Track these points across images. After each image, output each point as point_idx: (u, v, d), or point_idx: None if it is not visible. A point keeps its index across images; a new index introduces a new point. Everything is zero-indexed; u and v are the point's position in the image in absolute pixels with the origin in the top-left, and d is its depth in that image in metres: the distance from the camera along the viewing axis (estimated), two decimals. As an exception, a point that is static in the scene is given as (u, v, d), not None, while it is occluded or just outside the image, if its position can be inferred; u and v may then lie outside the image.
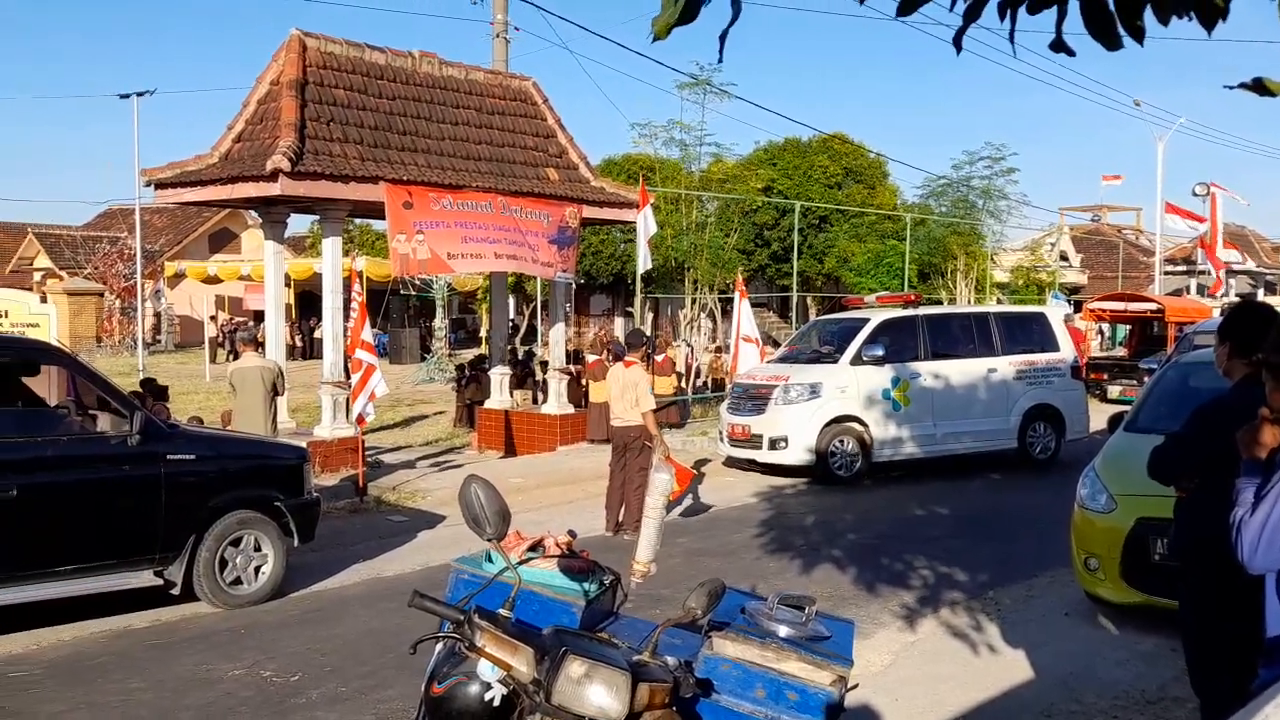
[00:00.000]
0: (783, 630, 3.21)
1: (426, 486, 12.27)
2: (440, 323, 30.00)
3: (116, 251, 35.73)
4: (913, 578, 8.17)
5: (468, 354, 27.21)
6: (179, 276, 36.49)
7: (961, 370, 13.62)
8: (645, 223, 15.28)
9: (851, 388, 13.01)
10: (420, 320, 35.22)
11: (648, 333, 10.96)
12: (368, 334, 11.54)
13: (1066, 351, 14.42)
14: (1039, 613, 7.16)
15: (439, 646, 3.10)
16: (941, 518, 10.92)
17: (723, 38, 2.07)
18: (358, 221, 32.68)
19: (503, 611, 2.72)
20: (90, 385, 7.33)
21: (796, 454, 12.81)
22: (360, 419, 11.47)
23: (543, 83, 15.14)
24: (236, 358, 32.65)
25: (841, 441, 12.83)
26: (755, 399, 13.32)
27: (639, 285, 18.09)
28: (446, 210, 12.58)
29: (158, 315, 37.14)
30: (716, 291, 21.30)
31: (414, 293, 30.59)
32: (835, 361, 13.29)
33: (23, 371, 7.70)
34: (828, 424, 12.78)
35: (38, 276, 38.81)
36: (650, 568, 3.68)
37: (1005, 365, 13.86)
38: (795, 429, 12.78)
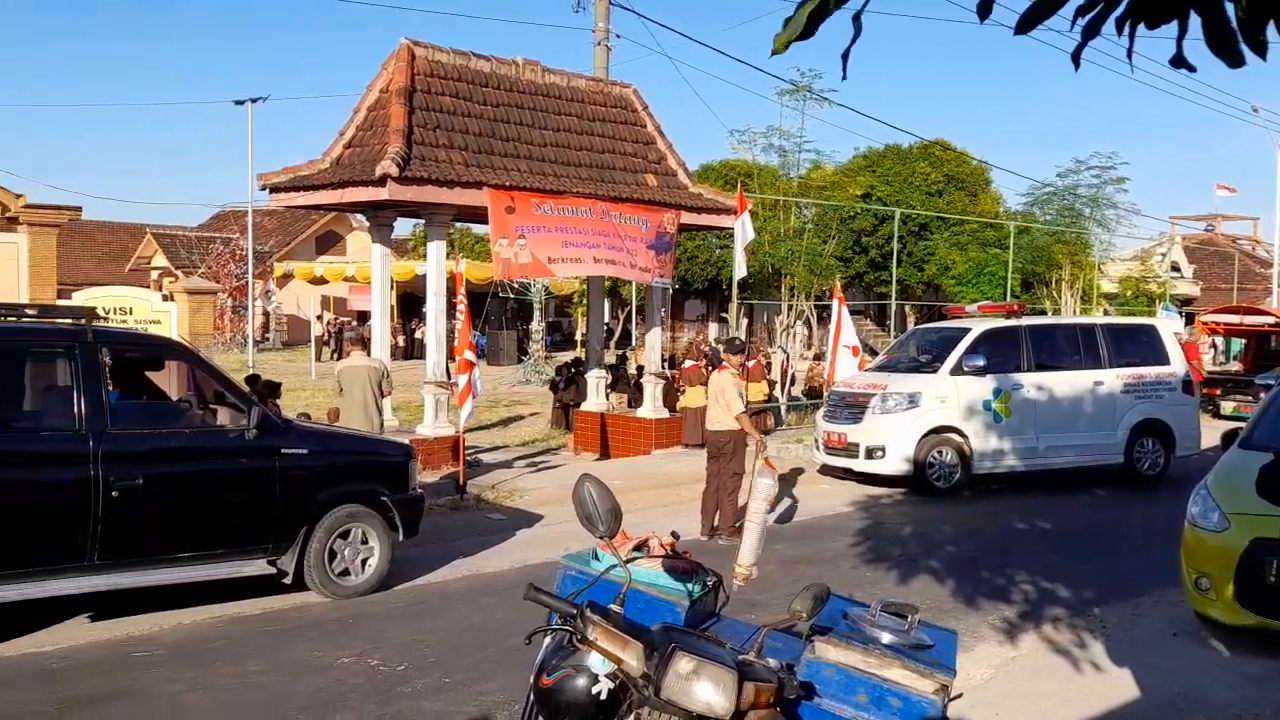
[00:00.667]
0: (885, 637, 3.23)
1: (524, 486, 12.47)
2: (537, 325, 30.42)
3: (229, 252, 37.08)
4: (1014, 592, 8.04)
5: (563, 357, 27.53)
6: (287, 277, 37.69)
7: (1066, 382, 13.29)
8: (743, 229, 15.30)
9: (951, 398, 12.81)
10: (517, 323, 35.74)
11: (743, 339, 10.98)
12: (471, 338, 11.80)
13: (1177, 365, 13.93)
14: (1146, 632, 6.99)
15: (547, 639, 3.19)
16: (1044, 532, 10.71)
17: (845, 56, 2.11)
18: (458, 225, 33.32)
19: (613, 607, 2.80)
20: (210, 380, 7.65)
21: (893, 464, 12.67)
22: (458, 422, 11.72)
23: (642, 89, 15.30)
24: (341, 356, 33.49)
25: (940, 452, 12.64)
26: (852, 407, 13.23)
27: (735, 291, 18.09)
28: (548, 215, 12.79)
29: (266, 314, 38.38)
30: (813, 298, 21.19)
31: (512, 295, 31.09)
32: (934, 371, 13.10)
33: (149, 366, 8.08)
34: (926, 434, 12.59)
35: (155, 275, 40.48)
36: (752, 571, 3.73)
37: (1112, 378, 13.47)
38: (893, 438, 12.65)
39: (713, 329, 32.69)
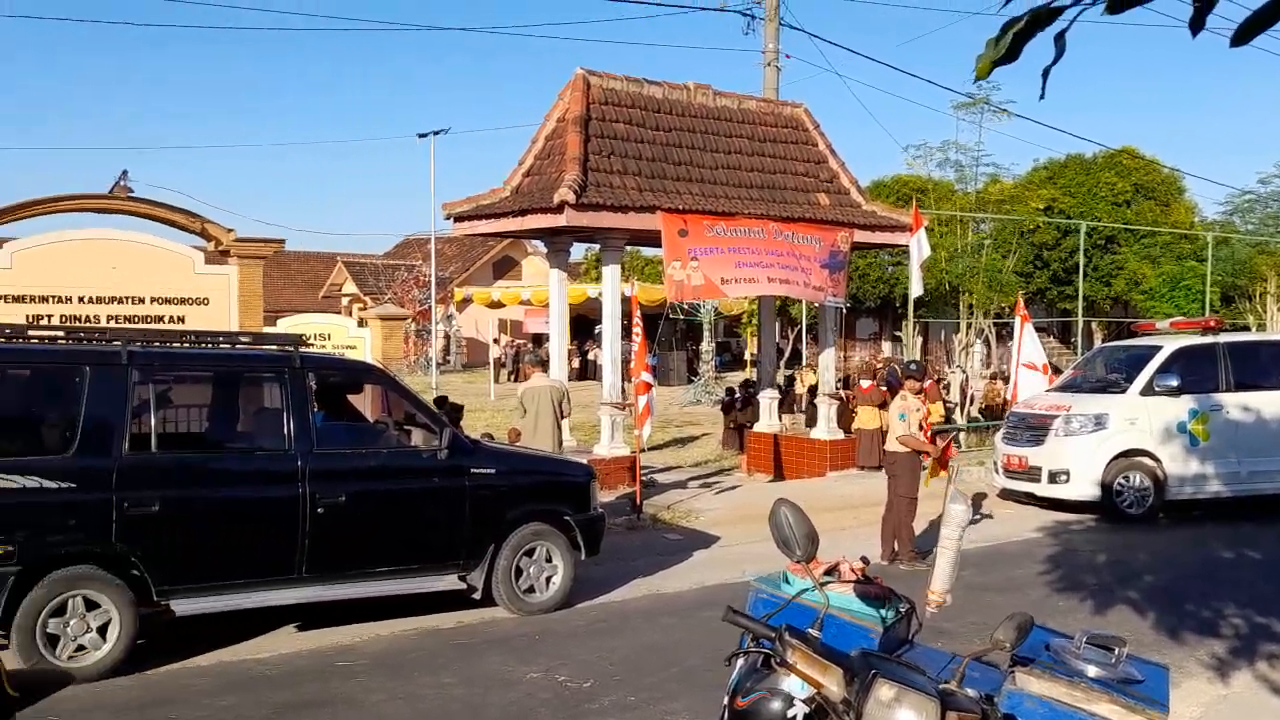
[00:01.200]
0: (1091, 670, 3.12)
1: (699, 507, 12.54)
2: (707, 346, 30.53)
3: (412, 278, 38.77)
4: (1223, 626, 7.57)
5: (734, 377, 27.54)
6: (466, 301, 39.11)
7: (1273, 403, 12.42)
8: (919, 246, 15.01)
9: (1142, 419, 12.17)
10: (687, 343, 35.98)
11: (921, 362, 10.77)
12: (647, 359, 11.98)
13: None
14: (1374, 673, 6.47)
15: (741, 661, 3.22)
16: (1253, 562, 10.04)
17: (1045, 74, 2.09)
18: (628, 248, 33.87)
19: (812, 632, 2.81)
20: (405, 403, 8.04)
21: (1079, 489, 12.13)
22: (638, 441, 11.87)
23: (812, 107, 15.23)
24: (519, 378, 34.40)
25: (1129, 477, 12.03)
26: (1034, 429, 12.72)
27: (911, 309, 17.72)
28: (720, 237, 12.87)
29: (447, 337, 39.90)
30: (992, 315, 20.53)
31: (681, 317, 31.34)
32: (1123, 391, 12.48)
33: (349, 389, 8.56)
34: (1114, 458, 12.01)
35: (345, 301, 42.73)
36: (946, 598, 3.66)
37: None
38: (1078, 462, 12.11)
39: (885, 348, 32.08)
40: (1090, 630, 3.34)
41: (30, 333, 7.42)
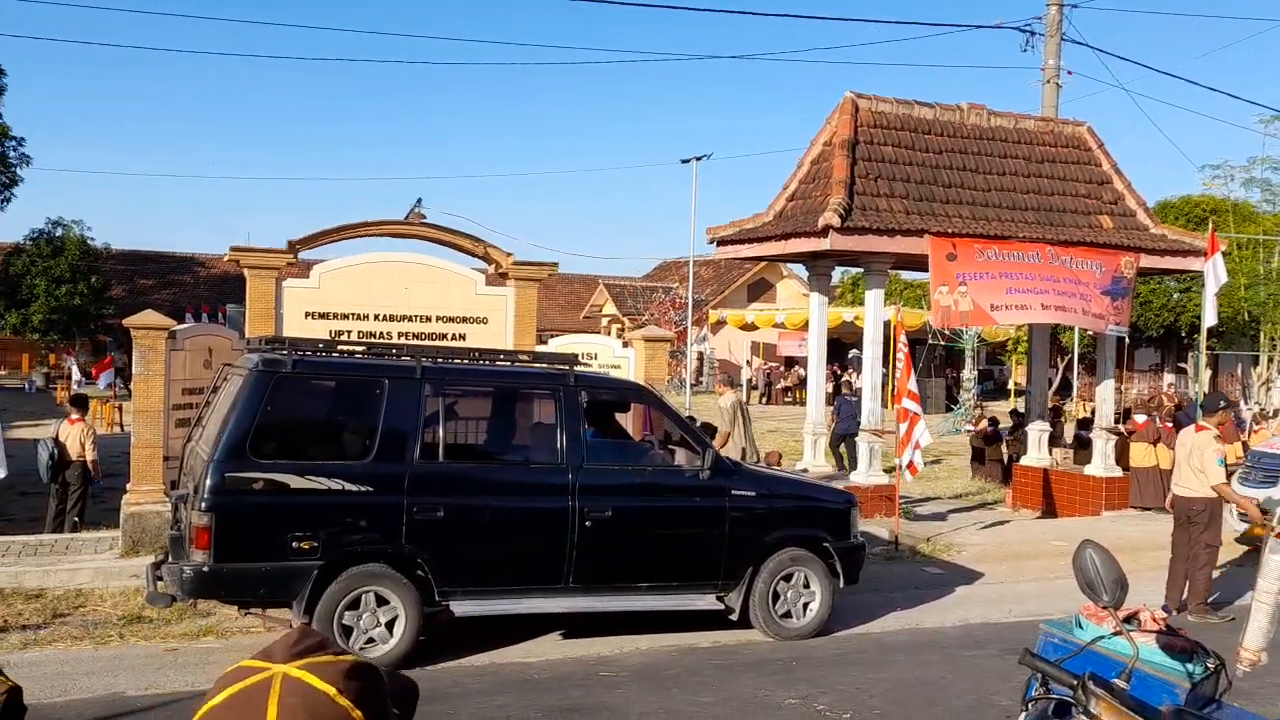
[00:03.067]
0: None
1: (960, 541, 12.07)
2: (968, 373, 29.40)
3: (669, 300, 39.58)
4: None
5: (995, 406, 26.35)
6: (720, 323, 39.49)
7: None
8: (1214, 272, 13.86)
9: None
10: (946, 370, 34.78)
11: (1223, 396, 9.88)
12: (913, 384, 11.66)
13: None
14: None
15: (1029, 708, 3.07)
16: None
17: None
18: (889, 272, 33.22)
19: (1118, 683, 2.65)
20: (671, 423, 8.21)
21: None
22: (912, 467, 11.55)
23: (1096, 125, 14.41)
24: (770, 400, 34.30)
25: None
26: (1268, 471, 11.39)
27: (1203, 339, 16.37)
28: (991, 261, 12.38)
29: (701, 358, 40.44)
30: (1297, 349, 18.67)
31: (943, 343, 30.34)
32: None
33: (617, 408, 8.83)
34: None
35: (604, 321, 44.15)
36: (1261, 656, 3.38)
37: None
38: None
39: (1167, 379, 29.78)
40: None
41: (337, 347, 8.10)
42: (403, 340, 11.05)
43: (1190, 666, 3.21)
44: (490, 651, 7.36)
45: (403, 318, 11.47)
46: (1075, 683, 2.57)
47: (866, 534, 11.35)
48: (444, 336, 11.53)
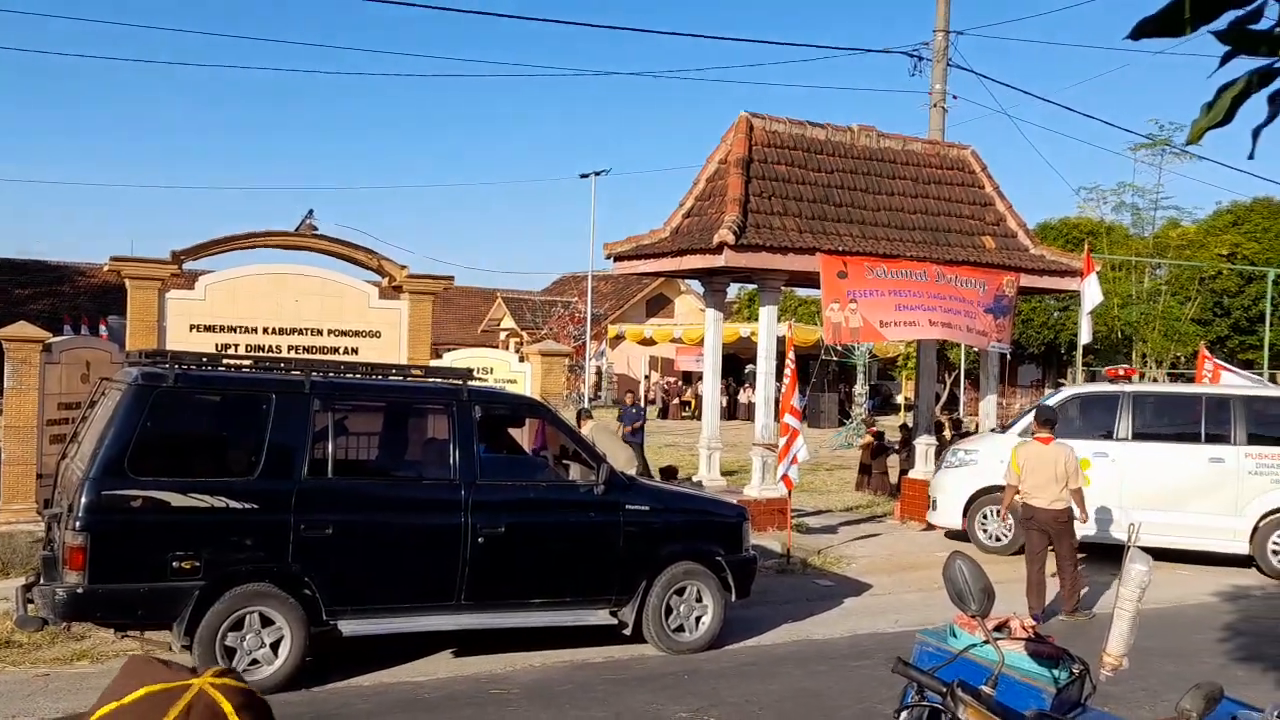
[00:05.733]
0: (1285, 748, 2.94)
1: (850, 553, 12.32)
2: (860, 389, 30.07)
3: (568, 315, 39.57)
4: None
5: (888, 421, 26.98)
6: (619, 338, 39.63)
7: (1171, 456, 11.62)
8: (1089, 292, 14.48)
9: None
10: (839, 385, 35.50)
11: (1053, 407, 10.47)
12: (796, 400, 11.88)
13: None
14: None
15: (904, 715, 3.17)
16: None
17: (1256, 134, 2.03)
18: (783, 288, 33.79)
19: (985, 689, 2.75)
20: (564, 437, 8.21)
21: (944, 518, 13.01)
22: (787, 480, 11.77)
23: (980, 148, 14.93)
24: (667, 415, 34.41)
25: (991, 513, 12.54)
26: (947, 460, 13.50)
27: (1079, 357, 17.06)
28: (880, 279, 12.71)
29: (599, 372, 40.50)
30: (1166, 365, 19.57)
31: (835, 358, 30.98)
32: (1004, 433, 12.96)
33: (511, 423, 8.79)
34: (976, 493, 12.60)
35: (503, 335, 43.91)
36: (1123, 661, 3.53)
37: (1237, 456, 11.66)
38: (944, 493, 12.99)
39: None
40: (1283, 706, 3.15)
41: (222, 361, 7.90)
42: (292, 354, 10.83)
43: (1056, 672, 3.35)
44: (380, 671, 7.25)
45: (293, 331, 11.25)
46: (945, 690, 2.67)
47: (760, 547, 11.52)
48: (336, 350, 11.34)
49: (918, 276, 12.93)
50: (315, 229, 12.09)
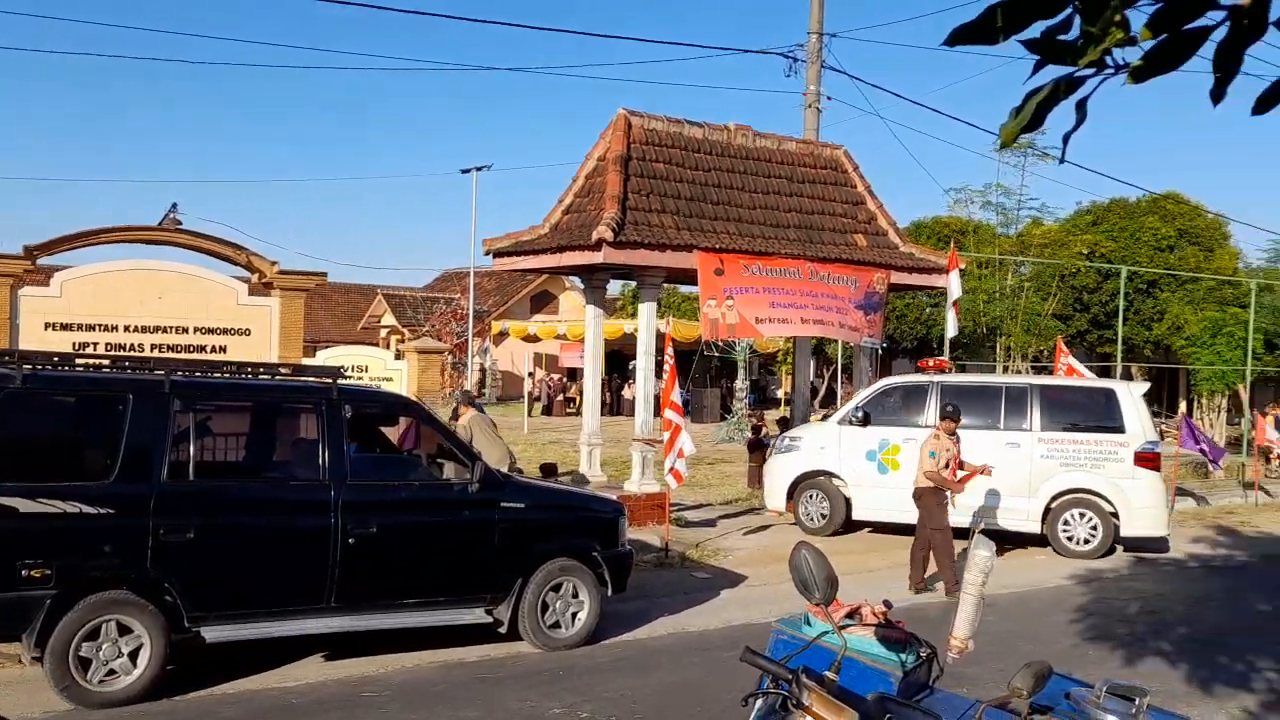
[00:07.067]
0: (1110, 720, 3.11)
1: (728, 546, 12.51)
2: (741, 384, 30.52)
3: (450, 311, 39.13)
4: (1255, 680, 7.44)
5: (768, 415, 27.46)
6: (503, 335, 39.35)
7: (974, 441, 12.19)
8: (953, 287, 15.01)
9: (831, 446, 13.50)
10: (721, 380, 35.96)
11: (955, 405, 10.91)
12: (677, 395, 11.99)
13: (1135, 434, 12.42)
14: None
15: (760, 703, 3.24)
16: (1292, 616, 9.85)
17: (1066, 139, 2.13)
18: (665, 285, 34.02)
19: (829, 674, 2.83)
20: (439, 436, 8.13)
21: (771, 500, 14.10)
22: (677, 474, 11.85)
23: (854, 149, 15.31)
24: (552, 412, 34.31)
25: (811, 495, 13.57)
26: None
27: (946, 350, 17.66)
28: (756, 276, 12.94)
29: (483, 370, 40.15)
30: (1029, 359, 20.40)
31: (717, 354, 31.38)
32: (825, 421, 14.12)
33: (383, 421, 8.66)
34: (800, 477, 13.58)
35: (383, 333, 43.18)
36: (968, 644, 3.67)
37: (1032, 441, 12.50)
38: (771, 477, 14.03)
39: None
40: (1111, 680, 3.33)
41: (77, 360, 7.58)
42: (156, 353, 10.47)
43: (904, 656, 3.47)
44: (246, 678, 7.06)
45: (156, 329, 10.88)
46: (790, 676, 2.74)
47: (638, 542, 11.60)
48: (203, 349, 11.00)
49: (792, 274, 13.21)
50: (179, 223, 11.71)
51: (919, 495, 10.42)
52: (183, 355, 10.50)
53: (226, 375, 7.61)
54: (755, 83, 33.73)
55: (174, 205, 12.11)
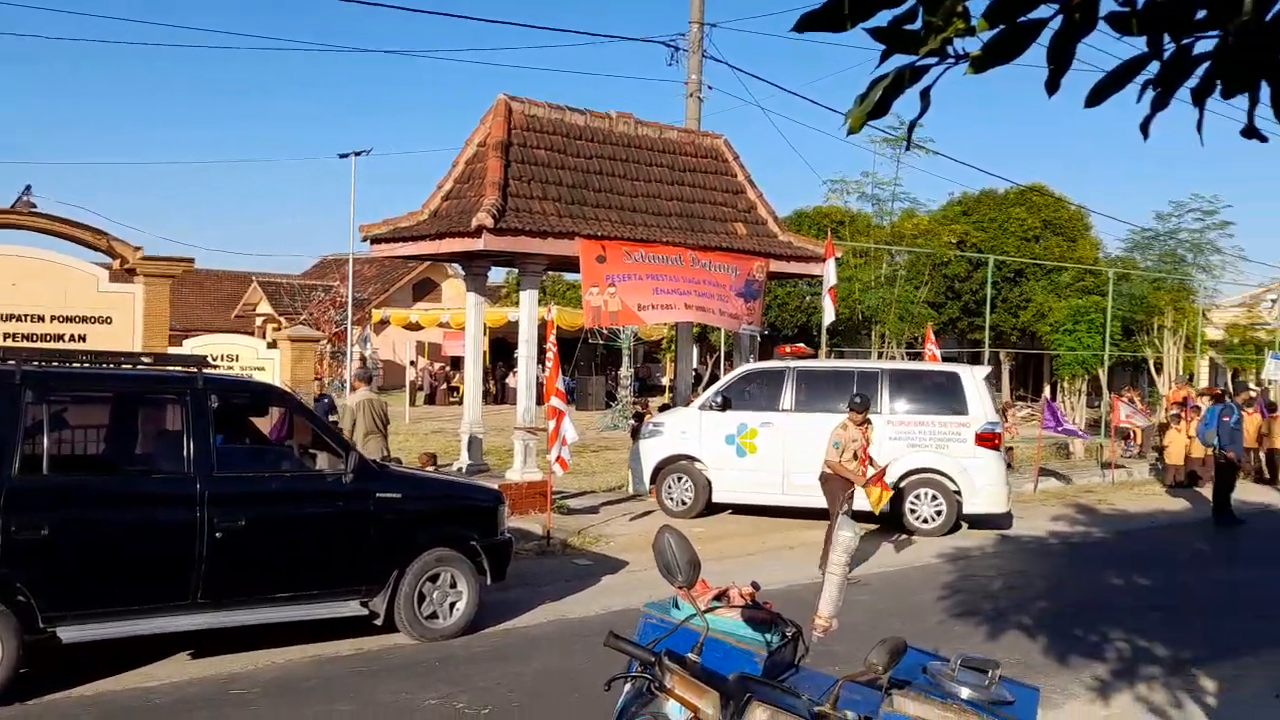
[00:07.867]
0: (964, 692, 3.23)
1: (610, 532, 12.56)
2: (626, 371, 30.63)
3: (329, 299, 38.22)
4: (1107, 650, 7.82)
5: (653, 402, 27.63)
6: (384, 323, 38.67)
7: (827, 424, 12.29)
8: (828, 274, 15.33)
9: (693, 430, 13.69)
10: (606, 368, 36.03)
11: (865, 395, 11.12)
12: (561, 383, 11.97)
13: (977, 416, 13.03)
14: (1247, 694, 6.74)
15: (628, 686, 3.26)
16: (1142, 589, 10.39)
17: (911, 127, 2.19)
18: (549, 273, 33.86)
19: (691, 656, 2.87)
20: (311, 426, 7.94)
21: (637, 483, 14.26)
22: (562, 462, 11.82)
23: (735, 139, 15.51)
24: (434, 400, 33.79)
25: (677, 478, 13.73)
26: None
27: (824, 338, 18.04)
28: (638, 264, 13.00)
29: (363, 359, 39.40)
30: (904, 345, 21.00)
31: (602, 342, 31.41)
32: (686, 406, 14.42)
33: (252, 411, 8.41)
34: (663, 460, 13.80)
35: (259, 321, 41.93)
36: (832, 623, 3.75)
37: (881, 423, 12.77)
38: (637, 461, 14.21)
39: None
40: (965, 654, 3.45)
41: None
42: (9, 342, 9.96)
43: (768, 636, 3.53)
44: (107, 678, 6.78)
45: (10, 317, 10.37)
46: (653, 659, 2.76)
47: (520, 530, 11.56)
48: (61, 338, 10.53)
49: (673, 261, 13.30)
50: (34, 206, 11.15)
51: (823, 480, 10.64)
52: (38, 345, 10.02)
53: (84, 365, 7.29)
54: (641, 71, 33.80)
55: (28, 188, 11.54)
